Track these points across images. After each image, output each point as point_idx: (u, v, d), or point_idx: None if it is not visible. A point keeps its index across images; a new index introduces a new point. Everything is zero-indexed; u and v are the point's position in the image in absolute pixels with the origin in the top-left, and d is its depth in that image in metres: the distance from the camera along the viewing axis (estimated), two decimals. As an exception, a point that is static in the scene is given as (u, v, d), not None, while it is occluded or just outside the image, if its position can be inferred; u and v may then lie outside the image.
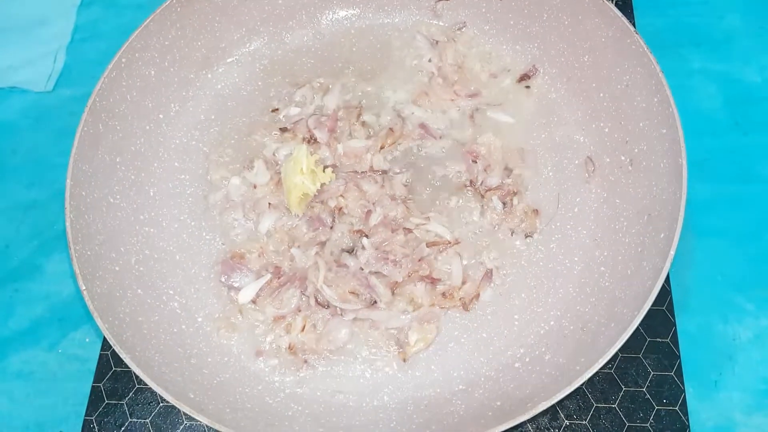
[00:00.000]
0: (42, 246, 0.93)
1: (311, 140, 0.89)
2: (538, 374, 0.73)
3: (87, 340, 0.87)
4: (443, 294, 0.80)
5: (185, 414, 0.80)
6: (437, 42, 0.96)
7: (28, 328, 0.88)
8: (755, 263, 0.87)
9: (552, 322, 0.78)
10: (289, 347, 0.79)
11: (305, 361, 0.78)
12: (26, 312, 0.89)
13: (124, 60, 0.83)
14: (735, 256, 0.88)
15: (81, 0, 1.11)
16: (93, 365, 0.85)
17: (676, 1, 1.05)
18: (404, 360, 0.77)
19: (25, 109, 1.03)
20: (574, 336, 0.75)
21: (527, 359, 0.76)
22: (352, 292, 0.80)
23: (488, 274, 0.81)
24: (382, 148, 0.88)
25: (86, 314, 0.88)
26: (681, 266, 0.85)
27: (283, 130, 0.91)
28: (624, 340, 0.65)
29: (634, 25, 0.80)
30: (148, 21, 0.84)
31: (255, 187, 0.88)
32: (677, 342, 0.81)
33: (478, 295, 0.80)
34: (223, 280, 0.83)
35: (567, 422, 0.78)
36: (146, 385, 0.70)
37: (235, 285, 0.82)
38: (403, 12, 0.98)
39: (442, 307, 0.80)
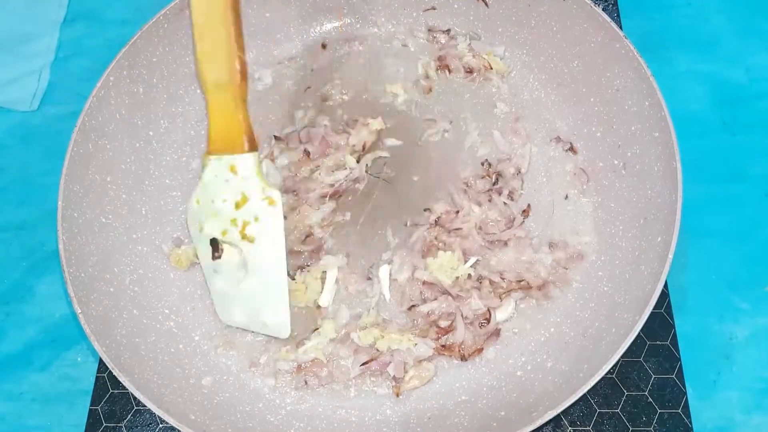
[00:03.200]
0: (32, 267, 0.92)
1: (305, 154, 0.88)
2: (541, 382, 0.73)
3: (79, 359, 0.86)
4: (443, 345, 0.78)
5: (185, 435, 0.79)
6: (426, 51, 0.96)
7: (20, 351, 0.87)
8: (748, 263, 0.88)
9: (552, 329, 0.78)
10: (297, 368, 0.78)
11: (305, 382, 0.78)
12: (18, 335, 0.88)
13: (112, 78, 0.82)
14: (728, 256, 0.88)
15: (64, 17, 1.09)
16: (85, 385, 0.84)
17: (662, 4, 1.05)
18: (398, 395, 0.76)
19: (10, 129, 1.01)
20: (575, 342, 0.75)
21: (529, 367, 0.76)
22: None
23: (496, 333, 0.79)
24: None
25: (78, 334, 0.87)
26: (675, 267, 0.86)
27: (278, 138, 0.90)
28: (627, 346, 0.66)
29: (620, 28, 0.81)
30: (135, 38, 0.84)
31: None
32: (677, 344, 0.82)
33: (480, 350, 0.78)
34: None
35: (571, 429, 0.78)
36: (145, 406, 0.69)
37: None
38: (390, 22, 0.98)
39: (440, 354, 0.78)
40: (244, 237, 0.72)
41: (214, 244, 0.74)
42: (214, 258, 0.75)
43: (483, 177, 0.87)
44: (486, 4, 0.92)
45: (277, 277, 0.73)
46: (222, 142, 0.72)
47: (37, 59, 1.06)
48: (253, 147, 0.72)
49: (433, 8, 0.96)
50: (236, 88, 0.71)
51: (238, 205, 0.73)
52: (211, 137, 0.72)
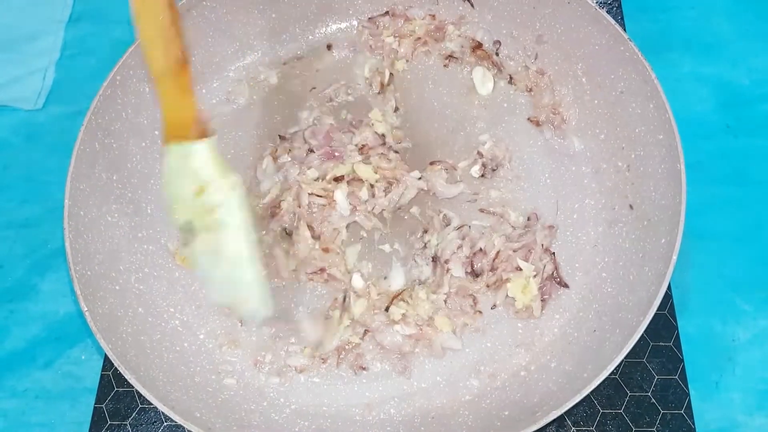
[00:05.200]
0: (36, 264, 0.92)
1: (310, 151, 0.88)
2: (545, 382, 0.73)
3: (83, 357, 0.86)
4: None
5: (190, 433, 0.79)
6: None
7: (24, 348, 0.87)
8: (752, 265, 0.88)
9: (556, 330, 0.78)
10: (297, 369, 0.79)
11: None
12: (22, 332, 0.88)
13: (118, 77, 0.82)
14: (731, 258, 0.88)
15: (69, 15, 1.09)
16: (89, 383, 0.84)
17: (666, 6, 1.06)
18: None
19: (15, 127, 1.01)
20: (579, 343, 0.75)
21: (533, 367, 0.76)
22: None
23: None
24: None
25: (82, 332, 0.87)
26: (678, 269, 0.85)
27: (282, 138, 0.90)
28: (631, 347, 0.66)
29: (624, 30, 0.81)
30: (141, 37, 0.84)
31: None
32: (680, 345, 0.82)
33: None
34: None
35: (574, 429, 0.78)
36: (150, 404, 0.69)
37: None
38: (396, 21, 0.98)
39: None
40: (208, 225, 0.71)
41: (188, 228, 0.73)
42: (185, 245, 0.74)
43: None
44: (471, 5, 0.93)
45: (248, 261, 0.72)
46: (175, 131, 0.70)
47: (42, 58, 1.06)
48: (204, 134, 0.70)
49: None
50: (178, 75, 0.69)
51: (198, 194, 0.71)
52: (165, 126, 0.71)
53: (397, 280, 0.83)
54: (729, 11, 1.05)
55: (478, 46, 0.94)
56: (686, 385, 0.80)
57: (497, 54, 0.94)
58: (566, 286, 0.81)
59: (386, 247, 0.85)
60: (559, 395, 0.68)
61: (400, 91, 0.94)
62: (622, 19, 1.03)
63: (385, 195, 0.85)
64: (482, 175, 0.88)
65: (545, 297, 0.80)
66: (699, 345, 0.83)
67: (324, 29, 0.98)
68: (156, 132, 0.88)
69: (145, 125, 0.87)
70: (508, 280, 0.80)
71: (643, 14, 1.05)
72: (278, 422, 0.75)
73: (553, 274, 0.81)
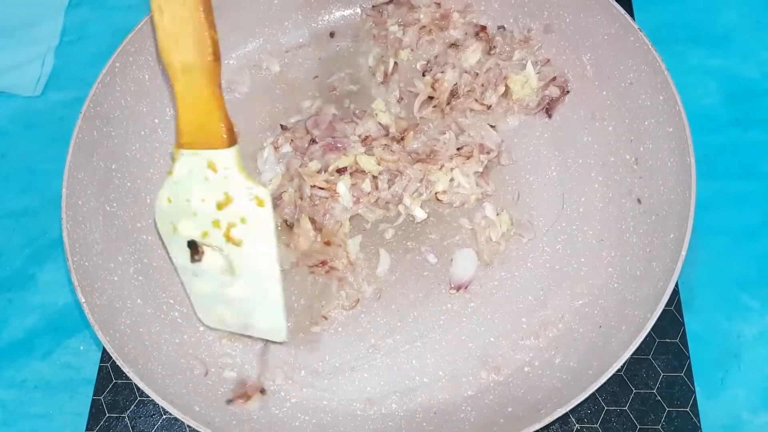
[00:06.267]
0: (35, 254, 0.92)
1: (312, 141, 0.87)
2: (549, 378, 0.72)
3: (81, 348, 0.86)
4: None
5: (189, 426, 0.78)
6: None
7: (22, 338, 0.87)
8: (759, 261, 0.87)
9: (560, 325, 0.77)
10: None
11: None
12: (20, 322, 0.88)
13: (117, 64, 0.81)
14: (738, 254, 0.87)
15: (69, 1, 1.08)
16: (87, 374, 0.84)
17: (674, -3, 1.04)
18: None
19: (14, 115, 1.00)
20: (584, 339, 0.74)
21: (537, 363, 0.75)
22: None
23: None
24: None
25: (81, 323, 0.86)
26: (685, 264, 0.85)
27: (284, 128, 0.89)
28: (638, 343, 0.65)
29: (633, 21, 0.80)
30: (141, 24, 0.82)
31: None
32: (686, 342, 0.81)
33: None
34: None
35: (578, 426, 0.77)
36: (148, 397, 0.68)
37: None
38: (400, 10, 0.96)
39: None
40: (229, 239, 0.66)
41: (194, 246, 0.68)
42: (193, 261, 0.68)
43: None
44: None
45: (270, 280, 0.67)
46: (195, 135, 0.64)
47: (41, 44, 1.05)
48: (233, 140, 0.64)
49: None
50: (208, 69, 0.62)
51: (220, 206, 0.65)
52: (182, 129, 0.64)
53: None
54: (738, 2, 1.04)
55: (482, 29, 0.93)
56: (692, 383, 0.79)
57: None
58: (567, 92, 0.86)
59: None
60: (564, 392, 0.67)
61: (405, 81, 0.93)
62: (631, 9, 1.01)
63: (389, 187, 0.83)
64: (485, 167, 0.86)
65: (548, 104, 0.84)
66: (705, 342, 0.82)
67: (327, 16, 0.97)
68: (156, 120, 0.87)
69: (145, 113, 0.86)
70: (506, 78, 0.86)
71: (651, 4, 1.04)
72: (278, 416, 0.74)
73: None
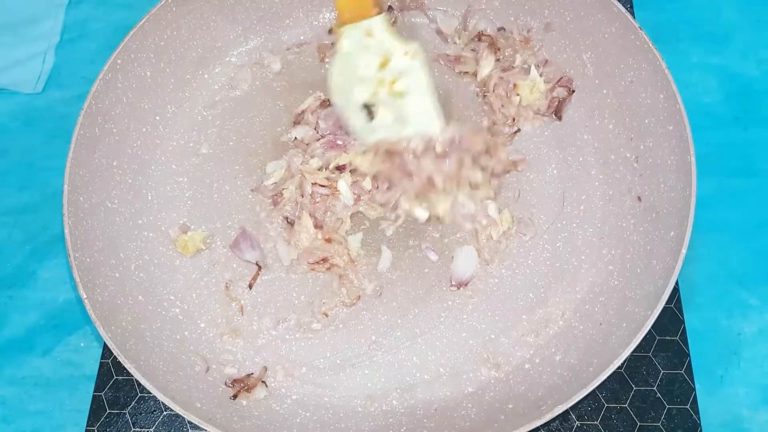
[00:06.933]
0: (35, 251, 0.91)
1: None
2: (550, 375, 0.72)
3: (82, 344, 0.86)
4: None
5: (190, 423, 0.78)
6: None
7: (23, 335, 0.87)
8: (759, 258, 0.87)
9: (561, 323, 0.78)
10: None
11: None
12: (20, 319, 0.87)
13: (119, 61, 0.81)
14: (738, 251, 0.87)
15: (69, -1, 1.08)
16: (88, 370, 0.83)
17: (675, -5, 1.05)
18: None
19: (14, 112, 1.00)
20: (584, 336, 0.74)
21: (537, 360, 0.75)
22: None
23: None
24: None
25: (81, 319, 0.86)
26: (685, 262, 0.85)
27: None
28: (638, 341, 0.65)
29: (634, 19, 0.80)
30: (143, 21, 0.83)
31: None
32: (686, 339, 0.81)
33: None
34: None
35: (578, 423, 0.77)
36: (149, 393, 0.69)
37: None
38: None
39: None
40: (393, 93, 0.75)
41: (368, 108, 0.76)
42: (370, 120, 0.77)
43: None
44: None
45: (433, 123, 0.75)
46: (352, 11, 0.73)
47: (41, 41, 1.04)
48: (381, 8, 0.74)
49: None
50: None
51: (382, 66, 0.74)
52: (341, 8, 0.74)
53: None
54: (739, 1, 1.04)
55: (484, 35, 0.93)
56: (692, 380, 0.79)
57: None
58: (573, 91, 0.87)
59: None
60: (564, 389, 0.67)
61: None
62: (631, 8, 1.01)
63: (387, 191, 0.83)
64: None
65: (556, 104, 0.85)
66: (704, 339, 0.82)
67: (328, 14, 0.96)
68: (157, 117, 0.88)
69: (147, 110, 0.86)
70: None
71: (652, 3, 1.04)
72: (279, 413, 0.74)
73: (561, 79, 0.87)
